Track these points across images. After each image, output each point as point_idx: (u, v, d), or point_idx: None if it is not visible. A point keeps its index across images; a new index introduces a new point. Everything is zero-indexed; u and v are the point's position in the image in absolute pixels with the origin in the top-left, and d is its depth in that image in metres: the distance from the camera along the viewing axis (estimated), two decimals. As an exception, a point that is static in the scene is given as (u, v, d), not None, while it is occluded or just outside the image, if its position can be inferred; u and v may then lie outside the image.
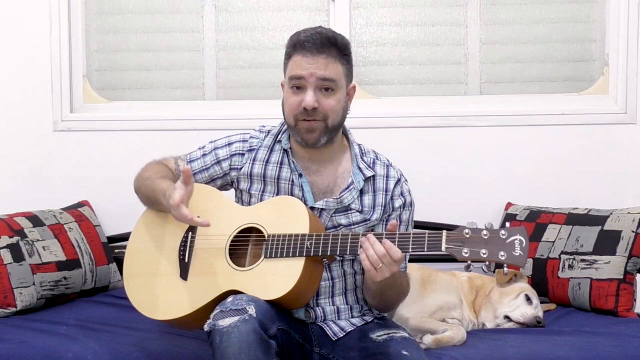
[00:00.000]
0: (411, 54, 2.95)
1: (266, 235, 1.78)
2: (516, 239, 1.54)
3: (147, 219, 1.98)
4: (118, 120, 2.92)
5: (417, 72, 2.96)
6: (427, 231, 1.63)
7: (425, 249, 1.62)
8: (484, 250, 1.55)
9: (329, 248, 1.70)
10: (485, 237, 1.56)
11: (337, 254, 1.71)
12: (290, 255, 1.72)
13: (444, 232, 1.60)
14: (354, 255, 1.83)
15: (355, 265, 1.92)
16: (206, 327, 1.60)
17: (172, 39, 3.00)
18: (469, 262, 1.57)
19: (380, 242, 1.61)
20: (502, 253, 1.54)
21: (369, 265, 1.63)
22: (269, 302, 1.67)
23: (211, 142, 2.01)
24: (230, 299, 1.64)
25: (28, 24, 2.90)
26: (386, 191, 1.90)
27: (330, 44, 1.80)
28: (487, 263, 1.57)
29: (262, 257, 1.76)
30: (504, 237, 1.55)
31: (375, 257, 1.60)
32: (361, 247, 1.65)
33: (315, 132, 1.82)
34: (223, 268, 1.78)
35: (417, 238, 1.62)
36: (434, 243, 1.60)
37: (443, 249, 1.58)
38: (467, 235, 1.57)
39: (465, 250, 1.56)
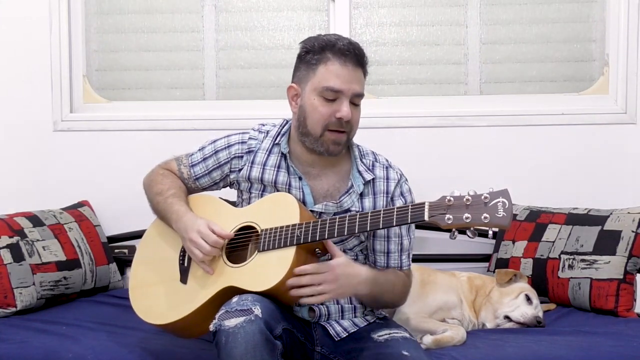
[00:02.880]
0: (411, 54, 2.95)
1: (259, 231, 1.79)
2: (499, 201, 1.53)
3: (151, 232, 2.02)
4: (118, 120, 2.92)
5: (417, 72, 2.96)
6: (410, 204, 1.64)
7: (409, 220, 1.62)
8: (467, 215, 1.54)
9: (318, 234, 1.71)
10: (468, 203, 1.55)
11: (326, 238, 1.72)
12: (282, 245, 1.73)
13: (426, 202, 1.60)
14: (343, 238, 1.84)
15: (358, 263, 1.92)
16: (212, 327, 1.60)
17: (172, 39, 3.00)
18: (454, 229, 1.57)
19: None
20: (485, 215, 1.52)
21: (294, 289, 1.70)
22: (264, 293, 1.68)
23: (211, 143, 2.00)
24: (235, 299, 1.65)
25: (28, 24, 2.90)
26: (387, 193, 1.91)
27: (363, 59, 1.83)
28: (472, 229, 1.56)
29: (256, 251, 1.78)
30: (486, 200, 1.54)
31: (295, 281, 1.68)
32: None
33: (341, 145, 1.84)
34: (220, 267, 1.80)
35: (401, 211, 1.63)
36: (417, 214, 1.60)
37: (426, 218, 1.58)
38: (450, 203, 1.56)
39: (448, 216, 1.55)
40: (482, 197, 1.54)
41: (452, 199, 1.57)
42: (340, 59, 1.79)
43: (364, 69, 1.85)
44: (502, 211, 1.52)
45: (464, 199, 1.55)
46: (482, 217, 1.53)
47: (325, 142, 1.82)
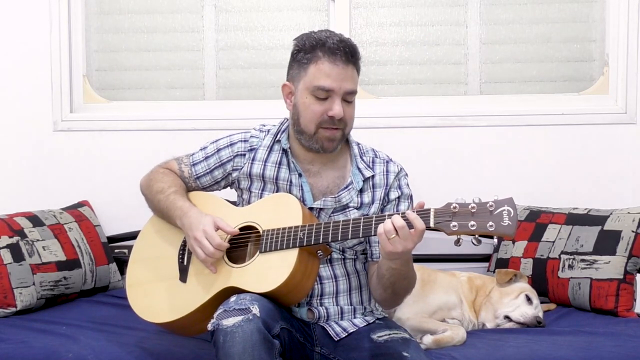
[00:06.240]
0: (411, 54, 2.95)
1: (261, 231, 1.79)
2: (504, 210, 1.54)
3: (148, 230, 2.02)
4: (118, 120, 2.92)
5: (417, 72, 2.96)
6: (415, 211, 1.63)
7: None
8: (472, 222, 1.55)
9: (321, 236, 1.71)
10: (473, 210, 1.55)
11: (329, 240, 1.72)
12: (284, 247, 1.73)
13: (432, 208, 1.60)
14: (345, 241, 1.83)
15: (358, 264, 1.93)
16: (210, 327, 1.60)
17: (172, 39, 3.00)
18: (459, 236, 1.57)
19: (404, 215, 1.59)
20: (490, 224, 1.53)
21: (382, 234, 1.60)
22: (265, 295, 1.68)
23: (213, 142, 2.00)
24: (233, 298, 1.65)
25: (28, 24, 2.90)
26: (386, 186, 1.91)
27: (354, 55, 1.82)
28: (476, 236, 1.56)
29: (258, 252, 1.77)
30: (491, 208, 1.55)
31: (390, 227, 1.58)
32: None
33: (336, 141, 1.84)
34: (220, 267, 1.80)
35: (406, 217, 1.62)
36: (423, 220, 1.59)
37: (432, 224, 1.58)
38: (455, 210, 1.57)
39: (454, 224, 1.56)
40: (488, 205, 1.55)
41: (457, 206, 1.57)
42: (330, 58, 1.79)
43: (356, 65, 1.84)
44: (508, 220, 1.53)
45: (469, 207, 1.56)
46: (488, 225, 1.54)
47: (320, 139, 1.83)
